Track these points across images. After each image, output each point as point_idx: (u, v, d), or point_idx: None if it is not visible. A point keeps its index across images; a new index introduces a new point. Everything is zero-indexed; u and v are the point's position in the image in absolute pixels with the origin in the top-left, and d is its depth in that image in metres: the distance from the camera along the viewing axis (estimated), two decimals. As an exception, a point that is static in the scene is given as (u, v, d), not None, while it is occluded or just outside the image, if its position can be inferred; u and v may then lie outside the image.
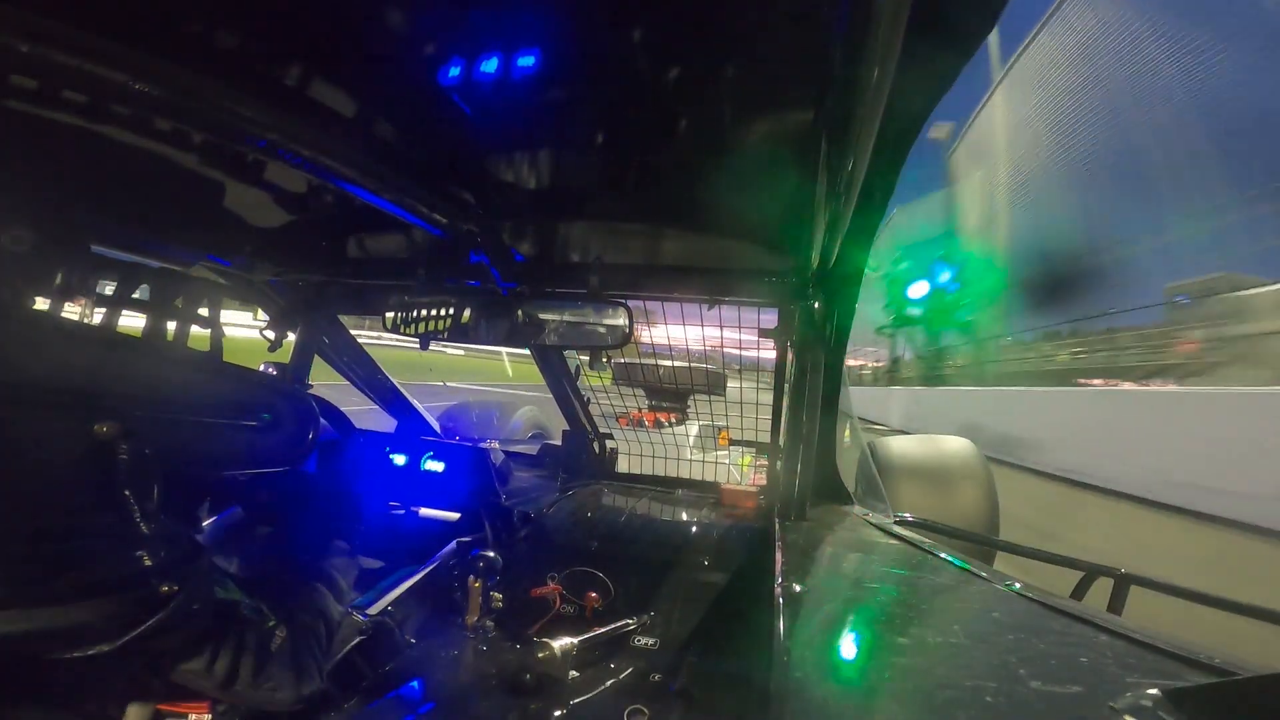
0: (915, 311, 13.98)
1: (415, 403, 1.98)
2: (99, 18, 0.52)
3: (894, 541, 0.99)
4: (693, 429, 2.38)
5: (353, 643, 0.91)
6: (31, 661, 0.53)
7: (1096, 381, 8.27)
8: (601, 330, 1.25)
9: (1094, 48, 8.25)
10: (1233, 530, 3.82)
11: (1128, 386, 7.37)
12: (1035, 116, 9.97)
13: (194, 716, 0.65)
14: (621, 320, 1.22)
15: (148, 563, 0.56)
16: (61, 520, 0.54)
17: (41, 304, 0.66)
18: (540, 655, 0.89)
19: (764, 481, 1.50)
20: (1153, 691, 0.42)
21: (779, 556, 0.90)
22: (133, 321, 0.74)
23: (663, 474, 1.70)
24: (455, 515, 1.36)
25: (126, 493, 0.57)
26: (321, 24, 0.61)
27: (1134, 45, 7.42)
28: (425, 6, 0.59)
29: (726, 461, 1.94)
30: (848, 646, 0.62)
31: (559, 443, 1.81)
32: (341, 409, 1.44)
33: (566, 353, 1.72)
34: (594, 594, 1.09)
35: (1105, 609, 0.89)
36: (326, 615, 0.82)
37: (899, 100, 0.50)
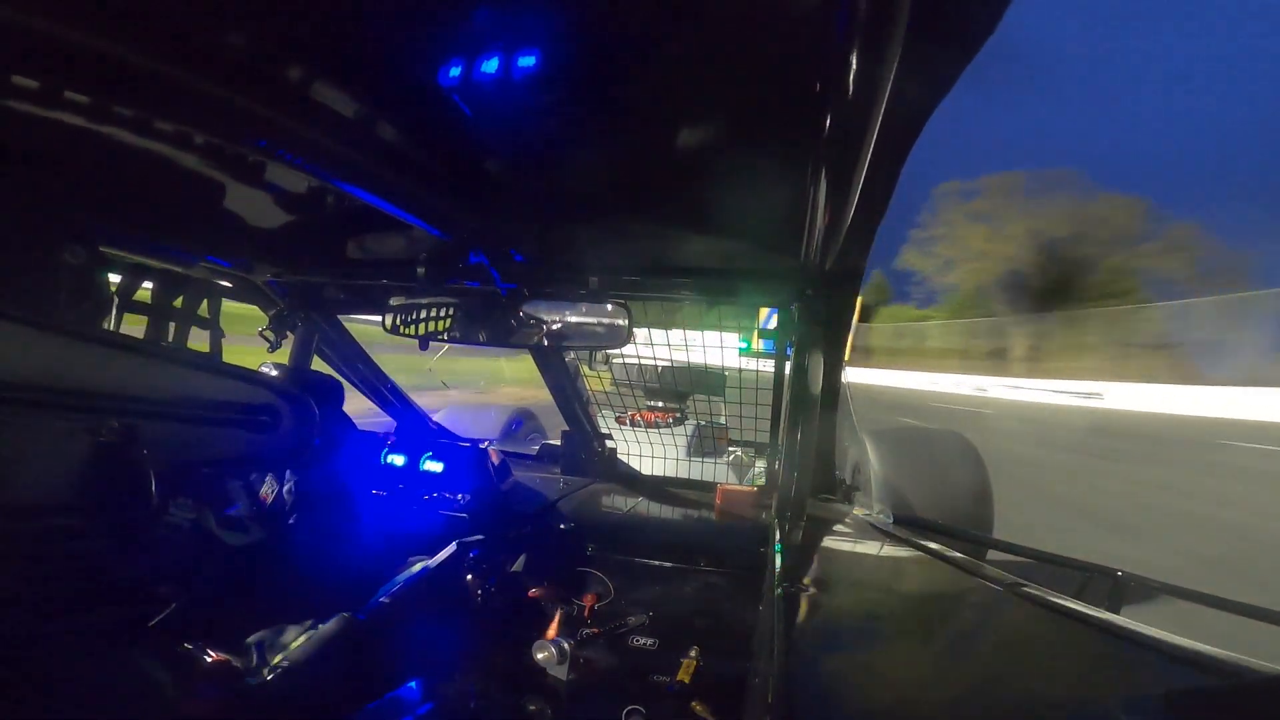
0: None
1: (415, 403, 1.98)
2: (99, 18, 0.52)
3: (892, 541, 0.99)
4: (692, 429, 2.38)
5: (352, 643, 0.91)
6: (34, 664, 0.53)
7: None
8: (601, 330, 1.25)
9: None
10: None
11: None
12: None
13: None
14: (621, 320, 1.22)
15: (149, 565, 0.56)
16: (63, 523, 0.54)
17: (42, 306, 0.66)
18: (539, 656, 0.89)
19: (763, 481, 1.50)
20: (1152, 692, 0.42)
21: (778, 556, 0.90)
22: (133, 322, 0.74)
23: (662, 474, 1.70)
24: (454, 516, 1.36)
25: (127, 495, 0.57)
26: (321, 24, 0.60)
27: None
28: (425, 7, 0.59)
29: (726, 461, 1.94)
30: (847, 646, 0.62)
31: (558, 443, 1.81)
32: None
33: (566, 353, 1.72)
34: (593, 594, 1.09)
35: (1104, 609, 0.90)
36: (328, 615, 0.82)
37: (899, 100, 0.50)
